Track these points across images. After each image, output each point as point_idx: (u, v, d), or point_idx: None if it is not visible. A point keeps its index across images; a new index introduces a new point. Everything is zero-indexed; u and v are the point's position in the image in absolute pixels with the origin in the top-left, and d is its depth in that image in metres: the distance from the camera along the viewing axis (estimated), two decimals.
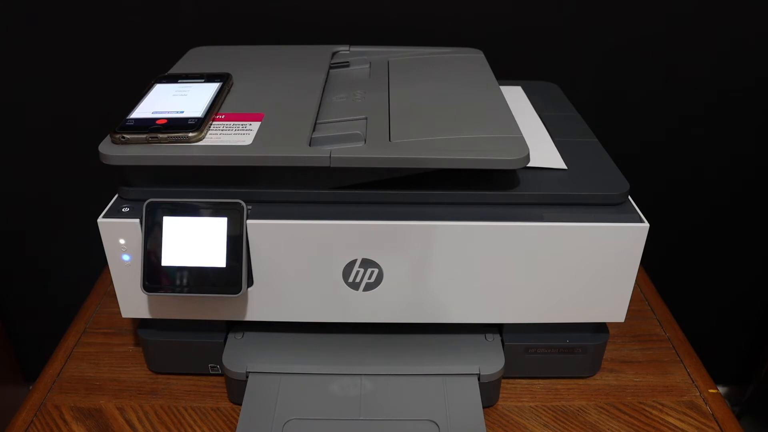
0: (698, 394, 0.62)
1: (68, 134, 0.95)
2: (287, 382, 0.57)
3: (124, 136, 0.52)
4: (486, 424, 0.54)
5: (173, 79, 0.62)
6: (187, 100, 0.57)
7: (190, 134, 0.52)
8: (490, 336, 0.61)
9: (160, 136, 0.52)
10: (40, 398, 0.61)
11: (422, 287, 0.55)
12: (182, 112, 0.55)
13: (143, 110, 0.56)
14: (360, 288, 0.55)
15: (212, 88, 0.59)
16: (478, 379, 0.58)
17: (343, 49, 0.75)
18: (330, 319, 0.57)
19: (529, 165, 0.52)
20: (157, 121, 0.54)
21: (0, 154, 0.97)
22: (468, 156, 0.51)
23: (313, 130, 0.55)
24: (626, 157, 0.69)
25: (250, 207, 0.52)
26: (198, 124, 0.53)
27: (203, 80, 0.61)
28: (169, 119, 0.54)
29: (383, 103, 0.61)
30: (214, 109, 0.57)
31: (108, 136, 0.53)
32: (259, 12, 0.87)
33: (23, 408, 0.60)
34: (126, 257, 0.54)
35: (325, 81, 0.66)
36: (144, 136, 0.52)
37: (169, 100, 0.58)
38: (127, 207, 0.54)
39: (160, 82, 0.61)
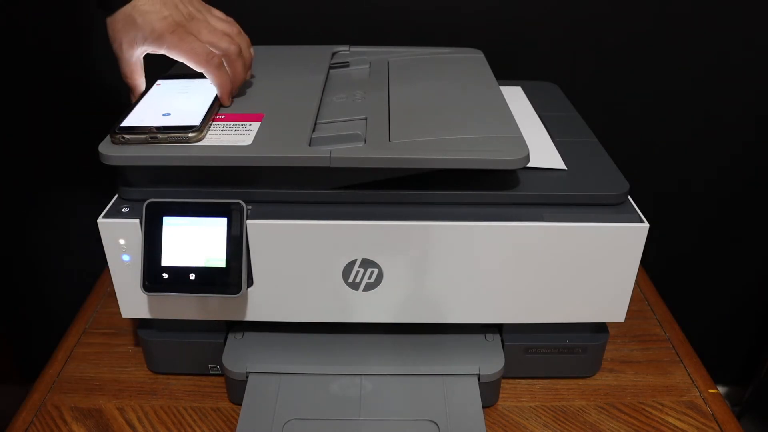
0: (698, 394, 0.62)
1: (68, 134, 0.95)
2: (287, 382, 0.57)
3: (124, 136, 0.52)
4: (486, 424, 0.54)
5: (173, 78, 0.62)
6: (187, 100, 0.57)
7: (190, 134, 0.52)
8: (490, 336, 0.61)
9: (160, 136, 0.52)
10: (40, 398, 0.61)
11: (422, 287, 0.55)
12: (182, 111, 0.55)
13: (143, 110, 0.56)
14: (360, 288, 0.55)
15: (212, 88, 0.59)
16: (478, 379, 0.58)
17: (343, 49, 0.75)
18: (330, 319, 0.57)
19: (529, 165, 0.52)
20: (157, 122, 0.54)
21: (0, 154, 0.97)
22: (468, 156, 0.51)
23: (313, 130, 0.55)
24: (626, 157, 0.69)
25: (250, 207, 0.52)
26: (198, 125, 0.53)
27: (203, 79, 0.61)
28: (169, 119, 0.54)
29: (383, 103, 0.61)
30: (214, 109, 0.56)
31: (108, 136, 0.53)
32: (259, 12, 0.87)
33: (23, 408, 0.60)
34: (126, 257, 0.54)
35: (325, 81, 0.66)
36: (144, 136, 0.52)
37: (169, 99, 0.58)
38: (127, 207, 0.54)
39: (160, 81, 0.61)
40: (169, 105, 0.57)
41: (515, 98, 0.73)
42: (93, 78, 0.91)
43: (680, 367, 0.66)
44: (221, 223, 0.52)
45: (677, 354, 0.67)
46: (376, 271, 0.54)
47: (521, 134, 0.54)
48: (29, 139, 0.96)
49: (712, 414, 0.60)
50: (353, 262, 0.54)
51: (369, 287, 0.55)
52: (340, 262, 0.54)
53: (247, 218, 0.52)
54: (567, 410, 0.60)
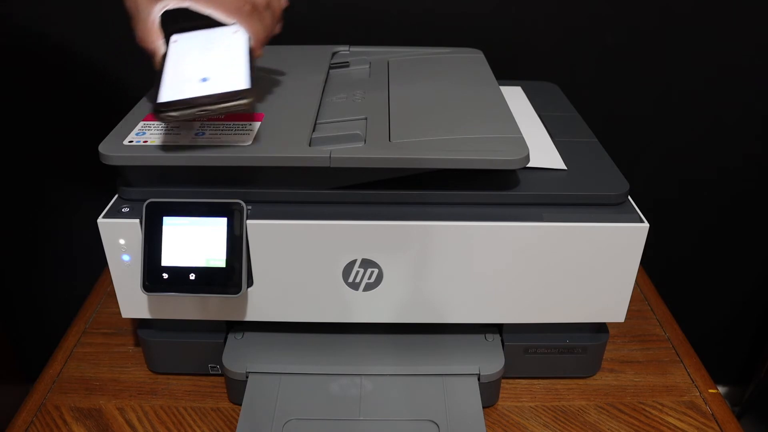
0: (698, 394, 0.62)
1: (68, 134, 0.95)
2: (287, 382, 0.57)
3: (171, 114, 0.47)
4: (486, 424, 0.54)
5: (187, 31, 0.56)
6: (218, 58, 0.52)
7: (244, 101, 0.48)
8: (490, 336, 0.61)
9: (211, 107, 0.48)
10: (40, 398, 0.61)
11: (422, 287, 0.55)
12: (221, 74, 0.50)
13: (175, 77, 0.50)
14: (360, 288, 0.55)
15: (236, 37, 0.54)
16: (478, 379, 0.58)
17: (343, 49, 0.75)
18: (330, 319, 0.57)
19: (529, 165, 0.52)
20: (200, 90, 0.48)
21: (0, 153, 0.97)
22: (468, 156, 0.51)
23: (313, 130, 0.55)
24: (626, 157, 0.69)
25: (250, 207, 0.52)
26: (248, 87, 0.48)
27: (221, 28, 0.55)
28: (211, 85, 0.49)
29: (383, 103, 0.61)
30: (251, 63, 0.51)
31: (111, 133, 0.53)
32: None
33: (23, 408, 0.60)
34: (126, 257, 0.54)
35: (325, 81, 0.66)
36: (192, 110, 0.48)
37: (197, 60, 0.52)
38: (127, 207, 0.54)
39: (176, 37, 0.55)
40: (202, 67, 0.51)
41: (515, 98, 0.73)
42: (94, 76, 0.91)
43: (680, 367, 0.66)
44: (221, 223, 0.52)
45: (677, 354, 0.67)
46: (376, 271, 0.54)
47: (521, 134, 0.54)
48: (30, 138, 0.96)
49: (712, 414, 0.60)
50: (353, 262, 0.54)
51: (369, 287, 0.55)
52: (340, 262, 0.54)
53: (247, 218, 0.52)
54: (567, 410, 0.60)
